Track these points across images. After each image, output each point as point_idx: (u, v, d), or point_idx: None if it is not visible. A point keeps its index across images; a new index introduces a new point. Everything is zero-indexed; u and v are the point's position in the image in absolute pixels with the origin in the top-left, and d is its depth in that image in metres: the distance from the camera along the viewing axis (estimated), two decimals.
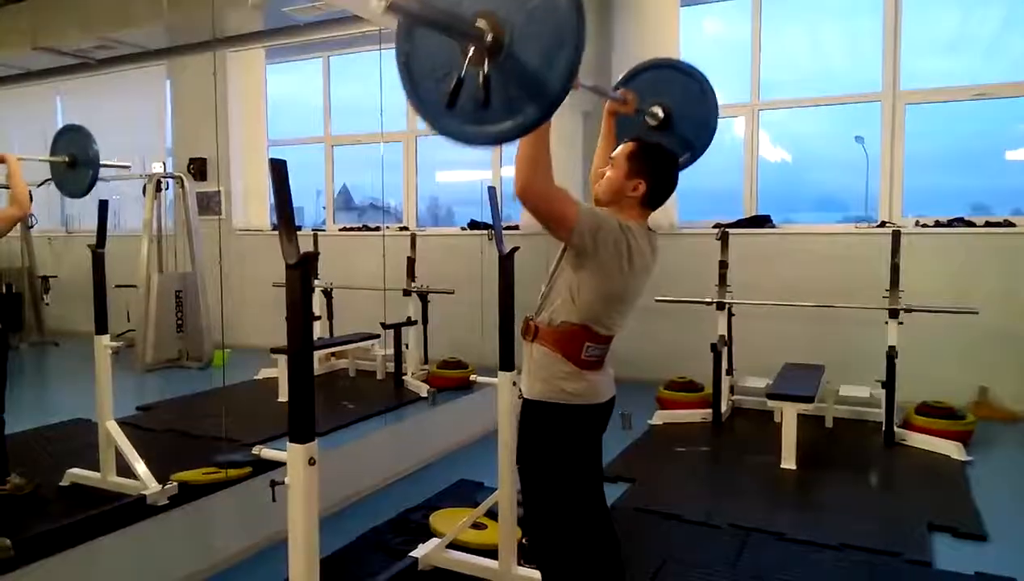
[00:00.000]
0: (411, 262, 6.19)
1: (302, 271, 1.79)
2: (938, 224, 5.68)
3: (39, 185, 4.02)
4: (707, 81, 2.56)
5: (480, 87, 1.50)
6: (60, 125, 6.01)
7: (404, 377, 5.78)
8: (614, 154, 2.15)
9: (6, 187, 3.63)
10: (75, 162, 3.55)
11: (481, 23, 1.48)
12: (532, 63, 1.48)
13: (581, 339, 2.03)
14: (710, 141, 2.59)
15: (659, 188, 2.10)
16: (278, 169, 1.76)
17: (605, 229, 1.94)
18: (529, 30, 1.48)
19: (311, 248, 6.20)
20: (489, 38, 1.48)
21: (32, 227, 5.26)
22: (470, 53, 1.49)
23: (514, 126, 1.53)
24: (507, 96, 1.51)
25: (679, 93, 2.58)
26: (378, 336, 6.01)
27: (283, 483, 1.88)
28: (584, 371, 2.05)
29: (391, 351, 5.82)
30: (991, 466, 4.32)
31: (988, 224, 5.54)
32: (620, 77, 2.63)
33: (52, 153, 3.61)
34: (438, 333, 6.23)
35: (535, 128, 1.58)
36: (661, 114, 2.56)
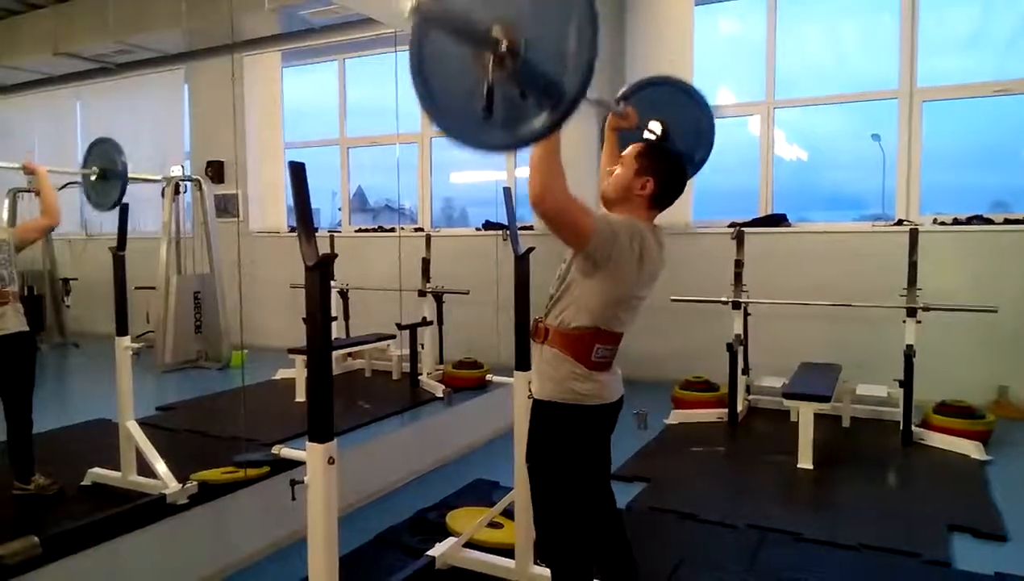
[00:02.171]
0: (426, 263, 6.22)
1: (321, 272, 1.81)
2: (956, 222, 5.63)
3: (60, 188, 4.08)
4: (704, 98, 2.62)
5: (511, 84, 1.52)
6: (80, 129, 6.11)
7: (420, 377, 5.80)
8: (624, 153, 2.17)
9: (31, 191, 3.68)
10: (105, 175, 3.59)
11: (496, 30, 1.51)
12: (549, 67, 1.50)
13: (592, 341, 2.05)
14: (708, 155, 2.64)
15: (667, 187, 2.12)
16: (297, 172, 1.78)
17: (621, 235, 1.95)
18: (543, 35, 1.50)
19: (327, 249, 6.24)
20: (504, 46, 1.50)
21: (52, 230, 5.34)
22: (490, 62, 1.51)
23: (530, 130, 1.55)
24: (526, 101, 1.53)
25: (677, 109, 2.62)
26: (394, 336, 6.04)
27: (303, 482, 1.90)
28: (594, 372, 2.07)
29: (407, 351, 5.85)
30: (1010, 466, 4.27)
31: (1008, 221, 5.49)
32: (619, 92, 2.66)
33: (84, 165, 3.65)
34: (453, 333, 6.26)
35: (553, 131, 1.59)
36: (659, 130, 2.60)
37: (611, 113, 2.48)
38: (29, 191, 3.77)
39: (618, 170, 2.14)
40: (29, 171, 3.40)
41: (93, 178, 3.60)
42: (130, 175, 3.63)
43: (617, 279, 1.99)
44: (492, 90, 1.52)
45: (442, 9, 1.50)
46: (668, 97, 2.65)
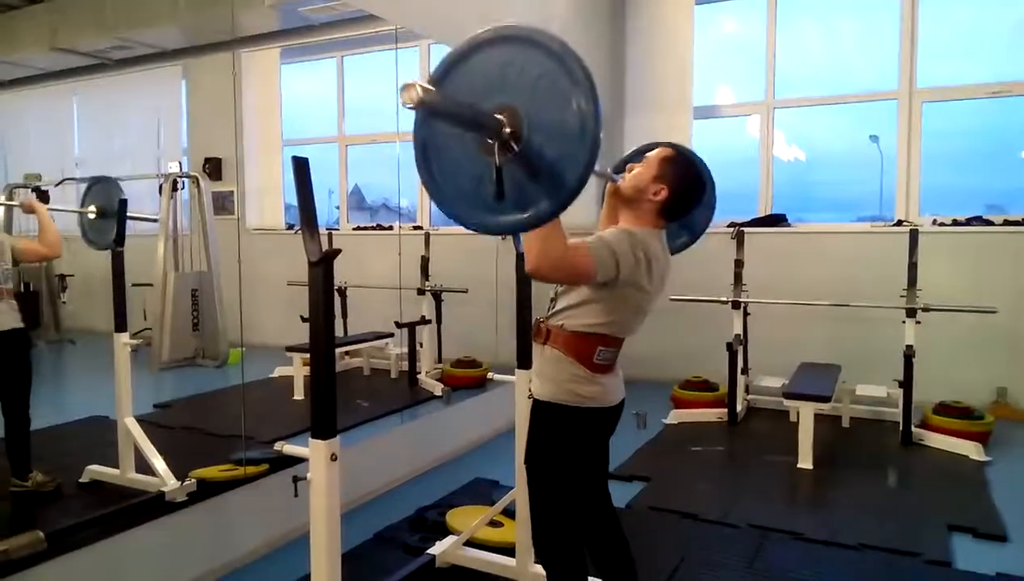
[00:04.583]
0: (425, 261, 6.20)
1: (324, 269, 1.79)
2: (956, 223, 5.64)
3: (56, 185, 4.06)
4: (705, 166, 2.43)
5: (518, 167, 1.52)
6: (76, 125, 6.07)
7: (418, 376, 5.79)
8: (651, 153, 2.12)
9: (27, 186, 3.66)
10: (103, 213, 3.58)
11: (499, 116, 1.52)
12: (552, 149, 1.49)
13: (594, 344, 2.03)
14: (710, 221, 2.60)
15: (680, 201, 2.07)
16: (300, 167, 1.77)
17: (621, 252, 1.93)
18: (544, 118, 1.50)
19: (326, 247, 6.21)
20: (507, 130, 1.51)
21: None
22: (496, 146, 1.51)
23: (534, 215, 1.55)
24: (526, 185, 1.53)
25: None
26: (392, 335, 6.02)
27: (305, 479, 1.89)
28: (596, 374, 2.05)
29: (405, 350, 5.83)
30: (1010, 466, 4.28)
31: (1007, 223, 5.49)
32: (618, 160, 2.49)
33: (83, 204, 3.65)
34: (452, 332, 6.24)
35: (562, 210, 1.55)
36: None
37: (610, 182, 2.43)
38: (26, 186, 3.73)
39: (638, 168, 2.10)
40: (28, 209, 3.42)
41: (91, 217, 3.59)
42: (130, 214, 3.59)
43: (625, 290, 1.98)
44: (500, 173, 1.51)
45: (446, 99, 1.49)
46: None
